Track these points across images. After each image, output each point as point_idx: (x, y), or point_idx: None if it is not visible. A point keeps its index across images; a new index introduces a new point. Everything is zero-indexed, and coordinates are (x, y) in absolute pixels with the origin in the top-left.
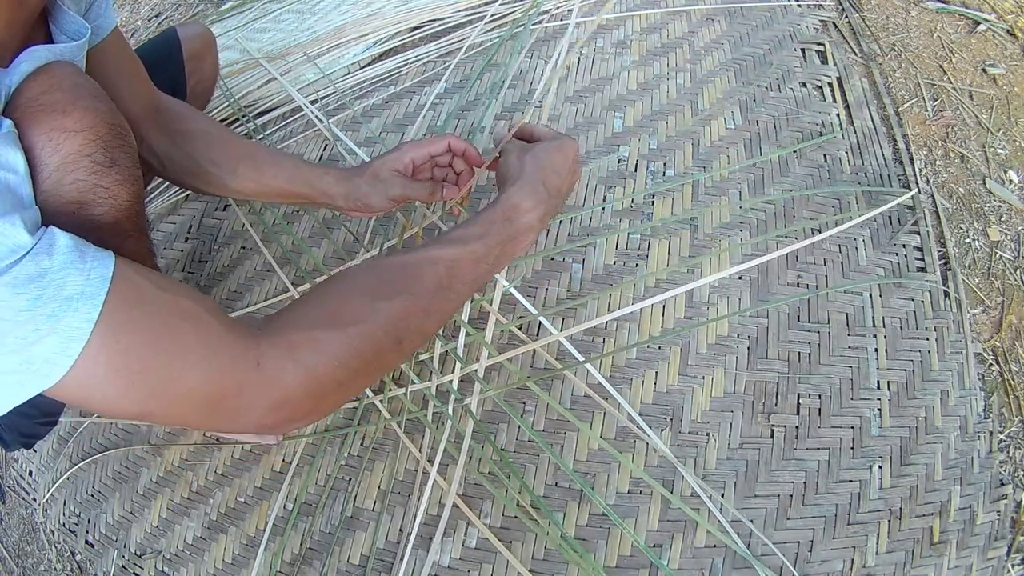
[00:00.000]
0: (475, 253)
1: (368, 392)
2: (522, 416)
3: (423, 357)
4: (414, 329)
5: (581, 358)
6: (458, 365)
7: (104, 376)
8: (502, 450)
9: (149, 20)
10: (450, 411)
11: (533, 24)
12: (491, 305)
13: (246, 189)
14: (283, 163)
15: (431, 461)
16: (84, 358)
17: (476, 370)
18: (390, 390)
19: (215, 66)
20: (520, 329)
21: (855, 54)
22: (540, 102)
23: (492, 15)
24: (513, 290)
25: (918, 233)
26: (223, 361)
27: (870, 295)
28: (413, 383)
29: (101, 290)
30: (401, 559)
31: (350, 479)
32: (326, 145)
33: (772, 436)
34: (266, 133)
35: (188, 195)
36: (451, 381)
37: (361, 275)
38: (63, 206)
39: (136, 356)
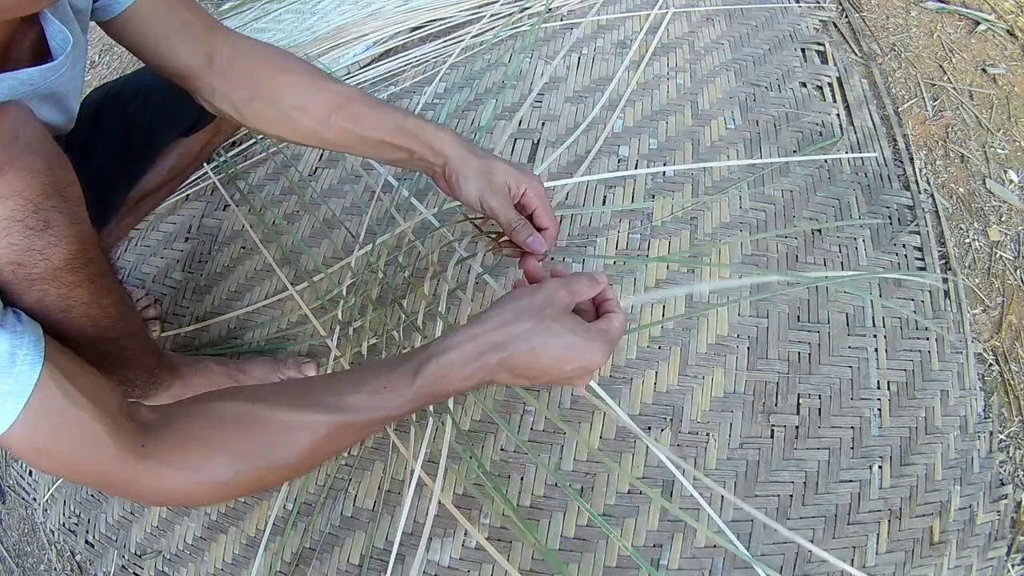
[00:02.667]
0: (366, 420)
1: None
2: (522, 416)
3: (407, 352)
4: (280, 479)
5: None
6: None
7: (25, 448)
8: (502, 449)
9: None
10: (431, 410)
11: (541, 24)
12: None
13: (339, 140)
14: (385, 113)
15: (434, 462)
16: (9, 433)
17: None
18: None
19: None
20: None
21: (855, 54)
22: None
23: (492, 15)
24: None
25: (918, 233)
26: (110, 470)
27: (870, 295)
28: None
29: (25, 392)
30: (401, 559)
31: (349, 479)
32: None
33: (772, 436)
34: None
35: (188, 195)
36: None
37: (231, 430)
38: (2, 266)
39: (44, 445)
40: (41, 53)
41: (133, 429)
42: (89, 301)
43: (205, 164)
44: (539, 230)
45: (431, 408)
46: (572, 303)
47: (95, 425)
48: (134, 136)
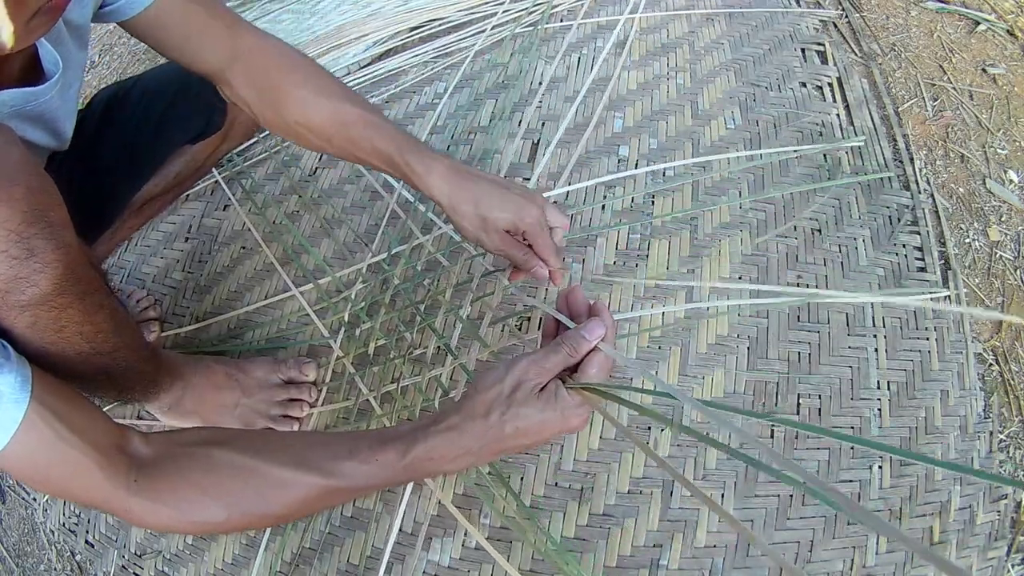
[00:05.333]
0: (355, 487)
1: (362, 388)
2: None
3: (417, 353)
4: (269, 525)
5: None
6: (449, 358)
7: (18, 474)
8: None
9: None
10: (436, 405)
11: (542, 25)
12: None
13: (342, 155)
14: (382, 140)
15: None
16: (2, 456)
17: (465, 363)
18: (383, 385)
19: None
20: (520, 329)
21: (855, 54)
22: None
23: (492, 15)
24: (515, 289)
25: (918, 233)
26: (100, 501)
27: (871, 300)
28: (406, 378)
29: (10, 428)
30: (401, 560)
31: None
32: None
33: (772, 436)
34: (267, 132)
35: (188, 195)
36: (440, 375)
37: (227, 479)
38: None
39: (35, 476)
40: (34, 72)
41: (126, 464)
42: (81, 320)
43: None
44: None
45: None
46: (543, 381)
47: (85, 461)
48: (139, 141)
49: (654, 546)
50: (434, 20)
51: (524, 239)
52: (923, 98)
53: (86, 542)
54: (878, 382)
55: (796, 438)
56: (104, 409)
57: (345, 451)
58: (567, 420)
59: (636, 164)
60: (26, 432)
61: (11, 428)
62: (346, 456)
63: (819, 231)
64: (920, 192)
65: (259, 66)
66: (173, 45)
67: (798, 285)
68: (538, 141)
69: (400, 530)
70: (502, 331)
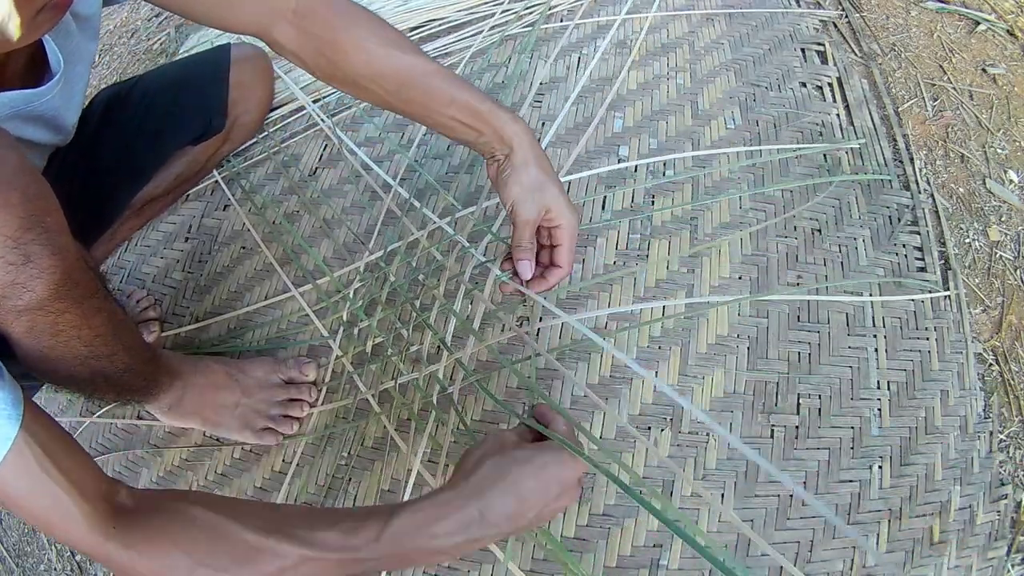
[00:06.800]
0: (335, 560)
1: (360, 387)
2: (523, 415)
3: (414, 349)
4: None
5: (595, 337)
6: (445, 354)
7: (2, 495)
8: None
9: (149, 20)
10: (435, 401)
11: (542, 25)
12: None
13: (409, 111)
14: (461, 91)
15: (435, 462)
16: None
17: (460, 358)
18: (381, 383)
19: (266, 98)
20: (519, 326)
21: (855, 54)
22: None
23: (491, 15)
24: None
25: (918, 233)
26: (77, 541)
27: (870, 295)
28: (404, 375)
29: (4, 445)
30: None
31: (349, 479)
32: (326, 145)
33: (772, 436)
34: (268, 132)
35: (188, 195)
36: (438, 370)
37: (204, 539)
38: None
39: (16, 501)
40: (38, 71)
41: (107, 512)
42: (79, 324)
43: None
44: (552, 265)
45: (434, 402)
46: (520, 440)
47: (68, 501)
48: (140, 143)
49: (654, 546)
50: (434, 20)
51: (550, 237)
52: (923, 98)
53: None
54: (878, 382)
55: (796, 438)
56: (104, 409)
57: (324, 522)
58: (563, 463)
59: (636, 164)
60: (16, 455)
61: (4, 445)
62: (324, 526)
63: (819, 231)
64: (920, 192)
65: (310, 20)
66: (204, 8)
67: (798, 285)
68: (537, 141)
69: None
70: (502, 330)
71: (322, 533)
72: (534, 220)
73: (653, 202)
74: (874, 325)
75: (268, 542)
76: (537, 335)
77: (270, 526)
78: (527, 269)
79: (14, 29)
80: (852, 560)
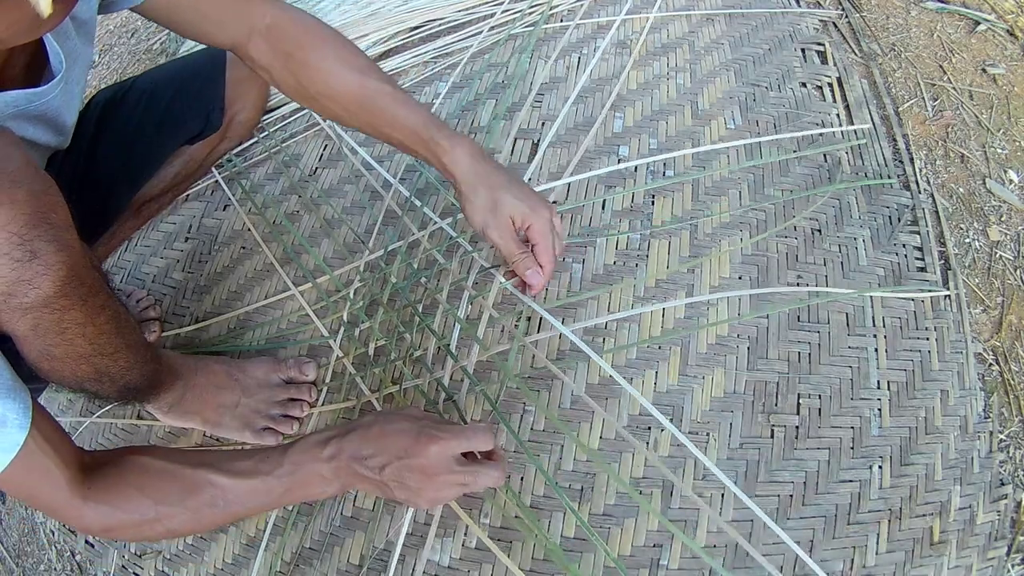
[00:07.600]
0: (250, 486)
1: (364, 390)
2: (522, 415)
3: (417, 354)
4: (191, 529)
5: (587, 350)
6: (449, 361)
7: (9, 490)
8: (503, 449)
9: (149, 20)
10: (441, 408)
11: (542, 25)
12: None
13: (363, 129)
14: (406, 114)
15: None
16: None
17: (465, 366)
18: (383, 386)
19: (262, 95)
20: (517, 328)
21: (855, 54)
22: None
23: (491, 15)
24: (512, 288)
25: (918, 233)
26: (60, 507)
27: (870, 295)
28: (407, 379)
29: (12, 450)
30: (401, 560)
31: None
32: (327, 145)
33: (772, 436)
34: (268, 132)
35: (188, 195)
36: (442, 377)
37: (153, 479)
38: None
39: (16, 487)
40: (39, 71)
41: (81, 477)
42: (84, 321)
43: None
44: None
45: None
46: (420, 413)
47: (56, 473)
48: (138, 142)
49: (654, 546)
50: (434, 20)
51: (527, 240)
52: (923, 98)
53: (86, 542)
54: (878, 382)
55: (796, 438)
56: (104, 409)
57: (242, 456)
58: (433, 429)
59: (636, 164)
60: (23, 453)
61: (12, 451)
62: (243, 458)
63: (819, 231)
64: (920, 192)
65: (280, 38)
66: (184, 27)
67: (798, 285)
68: (538, 141)
69: (399, 530)
70: (502, 332)
71: (240, 463)
72: (506, 235)
73: (653, 202)
74: (874, 325)
75: (203, 474)
76: (536, 342)
77: (202, 463)
78: (536, 276)
79: (46, 4)
80: (852, 560)
